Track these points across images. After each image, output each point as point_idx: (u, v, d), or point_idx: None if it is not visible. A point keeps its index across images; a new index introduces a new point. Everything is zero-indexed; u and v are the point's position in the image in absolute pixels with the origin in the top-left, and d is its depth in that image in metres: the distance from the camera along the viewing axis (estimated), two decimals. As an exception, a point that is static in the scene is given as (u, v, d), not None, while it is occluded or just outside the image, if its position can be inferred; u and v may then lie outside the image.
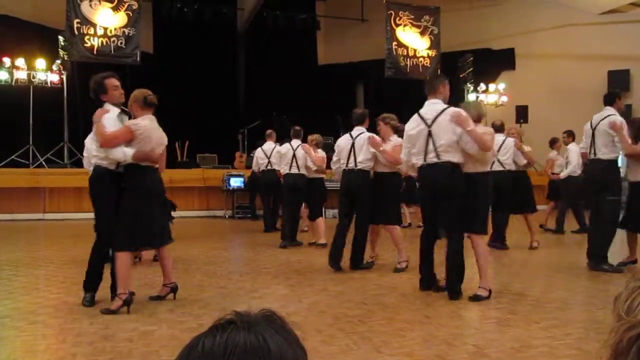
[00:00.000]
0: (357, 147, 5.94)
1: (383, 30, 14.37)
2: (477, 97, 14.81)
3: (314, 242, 7.71)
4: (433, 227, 4.85)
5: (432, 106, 4.72)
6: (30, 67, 12.13)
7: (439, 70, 14.25)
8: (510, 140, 7.27)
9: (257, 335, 0.66)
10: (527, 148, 7.55)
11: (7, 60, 11.92)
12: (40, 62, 12.19)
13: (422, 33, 14.75)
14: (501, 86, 15.64)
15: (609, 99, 5.94)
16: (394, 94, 14.47)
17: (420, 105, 4.84)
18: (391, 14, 14.36)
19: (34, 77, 12.15)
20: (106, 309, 4.01)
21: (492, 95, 15.39)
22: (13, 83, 12.00)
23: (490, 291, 4.52)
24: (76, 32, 12.04)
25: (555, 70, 15.40)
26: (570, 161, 9.04)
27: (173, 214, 6.88)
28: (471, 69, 15.33)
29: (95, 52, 12.19)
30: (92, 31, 12.19)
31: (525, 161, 7.37)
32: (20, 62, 11.99)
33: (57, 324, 3.84)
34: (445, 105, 4.68)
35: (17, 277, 5.41)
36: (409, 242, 6.02)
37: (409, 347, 3.29)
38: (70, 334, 3.57)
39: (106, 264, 4.35)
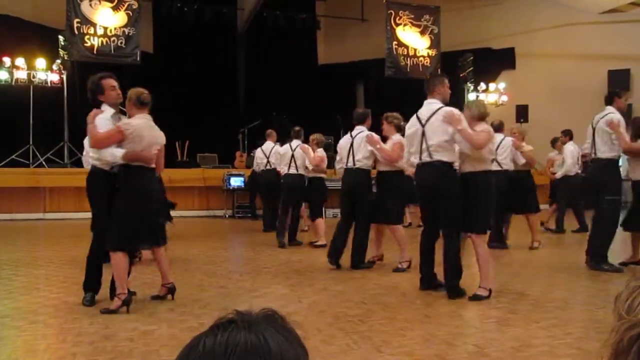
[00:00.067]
0: (355, 145, 6.01)
1: (383, 29, 14.37)
2: (477, 96, 14.80)
3: (314, 242, 7.70)
4: (433, 226, 4.85)
5: (428, 106, 4.76)
6: (31, 67, 12.14)
7: (439, 70, 14.25)
8: (508, 140, 7.25)
9: (258, 335, 0.66)
10: (528, 147, 7.52)
11: (7, 60, 11.92)
12: (41, 62, 12.20)
13: (422, 32, 14.75)
14: (501, 85, 15.64)
15: (608, 99, 5.95)
16: (394, 93, 14.45)
17: (421, 105, 4.88)
18: (391, 13, 14.35)
19: (34, 77, 12.16)
20: (106, 309, 4.02)
21: (492, 94, 15.38)
22: (13, 83, 12.01)
23: (490, 291, 4.52)
24: (76, 32, 12.05)
25: (556, 70, 15.40)
26: (565, 161, 9.04)
27: (172, 213, 6.90)
28: (471, 68, 15.33)
29: (95, 52, 12.19)
30: (92, 31, 12.19)
31: (523, 160, 7.35)
32: (20, 61, 12.00)
33: (57, 324, 3.84)
34: (440, 105, 4.69)
35: (17, 276, 5.41)
36: (409, 242, 5.99)
37: (409, 346, 3.29)
38: (70, 333, 3.57)
39: (105, 264, 4.35)
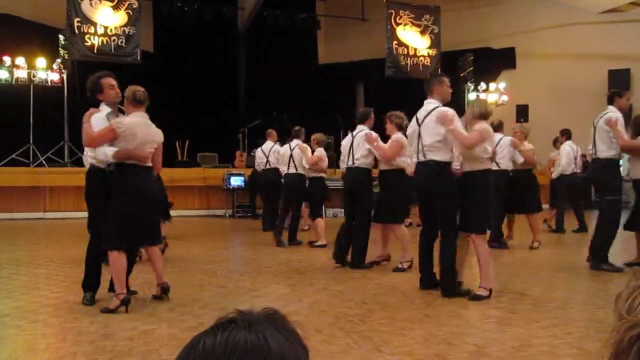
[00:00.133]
0: (355, 144, 6.10)
1: (383, 29, 14.37)
2: (478, 96, 14.80)
3: (313, 241, 7.70)
4: (432, 226, 4.86)
5: (426, 106, 4.81)
6: (31, 66, 12.14)
7: (439, 70, 14.25)
8: (507, 140, 7.25)
9: (258, 334, 0.66)
10: (528, 147, 7.50)
11: (7, 59, 11.93)
12: (41, 61, 12.20)
13: (422, 32, 14.76)
14: (501, 85, 15.64)
15: (610, 99, 5.97)
16: (395, 93, 14.44)
17: (421, 105, 4.92)
18: (391, 13, 14.36)
19: (34, 76, 12.17)
20: (105, 308, 4.02)
21: (493, 94, 15.37)
22: (13, 82, 12.01)
23: (490, 291, 4.51)
24: (76, 31, 12.06)
25: (556, 70, 15.40)
26: (560, 161, 9.04)
27: (172, 212, 6.90)
28: (471, 68, 15.33)
29: (95, 51, 12.20)
30: (92, 30, 12.20)
31: (522, 159, 7.34)
32: (20, 61, 12.00)
33: (57, 323, 3.84)
34: (436, 105, 4.72)
35: (18, 276, 5.42)
36: (410, 242, 5.98)
37: (409, 346, 3.29)
38: (70, 332, 3.57)
39: (103, 264, 4.36)
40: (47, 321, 3.86)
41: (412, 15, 14.63)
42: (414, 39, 14.66)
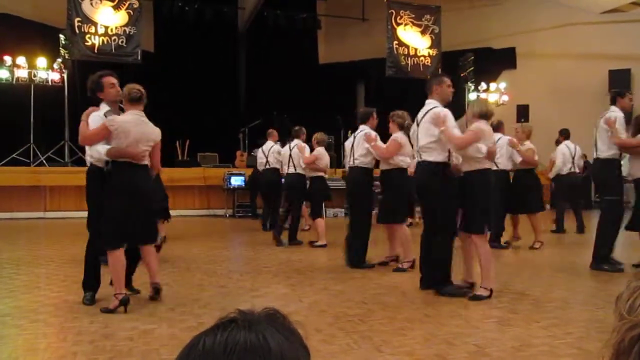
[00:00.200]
0: (355, 144, 6.19)
1: (384, 29, 14.37)
2: (478, 96, 14.79)
3: (313, 242, 7.69)
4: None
5: (425, 107, 4.85)
6: (31, 66, 12.14)
7: (439, 70, 14.25)
8: (504, 140, 7.24)
9: (258, 334, 0.66)
10: (528, 146, 7.49)
11: (8, 59, 11.93)
12: (41, 61, 12.20)
13: (423, 32, 14.75)
14: (502, 85, 15.63)
15: (611, 99, 6.00)
16: (395, 93, 14.44)
17: (421, 105, 4.94)
18: (392, 13, 14.35)
19: (34, 76, 12.16)
20: (105, 308, 4.02)
21: (493, 94, 15.37)
22: (14, 82, 12.01)
23: (491, 291, 4.51)
24: (77, 31, 12.06)
25: (556, 70, 15.39)
26: (556, 161, 9.03)
27: (172, 212, 6.90)
28: (472, 68, 15.32)
29: (96, 51, 12.20)
30: (93, 30, 12.20)
31: (520, 159, 7.33)
32: (21, 60, 12.00)
33: (57, 323, 3.84)
34: (432, 106, 4.76)
35: (18, 275, 5.42)
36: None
37: (409, 346, 3.29)
38: (70, 332, 3.57)
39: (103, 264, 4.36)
40: (47, 321, 3.86)
41: (413, 15, 14.62)
42: (414, 39, 14.66)
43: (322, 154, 7.70)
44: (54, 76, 12.36)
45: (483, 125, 4.61)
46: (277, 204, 9.64)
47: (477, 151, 4.49)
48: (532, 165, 7.58)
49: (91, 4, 12.20)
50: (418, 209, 9.71)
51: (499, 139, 7.14)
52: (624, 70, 14.52)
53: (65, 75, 12.42)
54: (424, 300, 4.48)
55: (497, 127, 7.18)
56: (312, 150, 7.82)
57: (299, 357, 0.68)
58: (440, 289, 4.63)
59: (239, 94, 17.32)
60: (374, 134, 6.02)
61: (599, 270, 5.71)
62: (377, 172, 6.48)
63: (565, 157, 8.86)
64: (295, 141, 7.94)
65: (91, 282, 4.33)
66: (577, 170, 9.06)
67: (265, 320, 0.69)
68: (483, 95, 14.93)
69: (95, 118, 4.17)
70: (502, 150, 7.12)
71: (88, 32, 12.15)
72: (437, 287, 4.66)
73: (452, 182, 4.69)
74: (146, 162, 4.26)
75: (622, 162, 6.01)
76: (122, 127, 4.07)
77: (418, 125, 4.81)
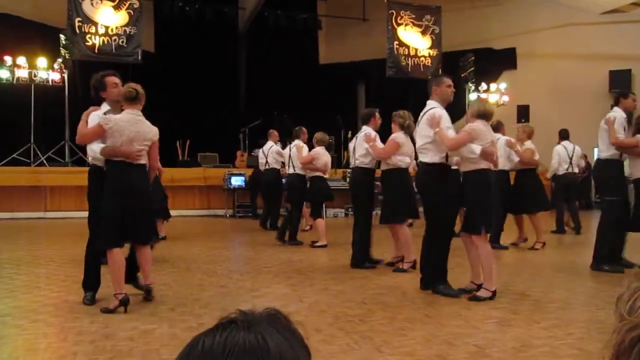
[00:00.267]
0: (356, 145, 6.23)
1: (384, 29, 14.37)
2: (478, 96, 14.79)
3: (314, 242, 7.69)
4: None
5: (425, 108, 4.86)
6: (32, 66, 12.15)
7: (440, 70, 14.25)
8: (502, 140, 7.24)
9: (257, 335, 0.66)
10: (527, 146, 7.49)
11: (8, 59, 11.93)
12: (42, 61, 12.21)
13: (423, 32, 14.74)
14: (502, 86, 15.62)
15: (614, 100, 6.02)
16: (395, 93, 14.45)
17: (421, 105, 4.95)
18: (392, 13, 14.35)
19: (35, 76, 12.17)
20: (105, 308, 4.02)
21: (494, 94, 15.36)
22: (14, 81, 12.01)
23: (494, 292, 4.49)
24: (77, 31, 12.06)
25: (557, 70, 15.39)
26: (551, 161, 9.03)
27: (172, 212, 6.90)
28: (472, 68, 15.31)
29: (96, 51, 12.20)
30: (93, 30, 12.21)
31: (517, 159, 7.32)
32: (21, 60, 12.01)
33: (58, 323, 3.84)
34: (430, 108, 4.78)
35: (18, 275, 5.42)
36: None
37: (409, 346, 3.29)
38: (71, 332, 3.57)
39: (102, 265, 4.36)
40: (47, 321, 3.86)
41: (413, 16, 14.62)
42: (414, 40, 14.65)
43: (319, 154, 7.62)
44: (55, 76, 12.37)
45: (480, 125, 4.58)
46: (278, 205, 9.65)
47: (470, 152, 4.47)
48: (532, 165, 7.59)
49: (92, 4, 12.20)
50: (422, 209, 9.75)
51: (497, 139, 7.14)
52: (625, 71, 14.52)
53: (65, 75, 12.42)
54: (425, 301, 4.48)
55: (497, 128, 7.17)
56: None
57: (298, 357, 0.68)
58: (435, 287, 4.67)
59: (240, 94, 17.32)
60: (373, 134, 6.02)
61: (599, 271, 5.71)
62: (379, 173, 6.48)
63: (560, 157, 8.84)
64: (296, 141, 7.95)
65: (91, 282, 4.34)
66: (577, 171, 9.05)
67: (266, 321, 0.69)
68: (483, 96, 14.93)
69: (94, 117, 4.18)
70: (500, 151, 7.11)
71: (88, 32, 12.16)
72: (432, 285, 4.70)
73: (452, 183, 4.70)
74: (143, 161, 4.26)
75: (625, 163, 6.00)
76: (117, 125, 4.07)
77: (418, 126, 4.87)
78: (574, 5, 15.24)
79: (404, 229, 6.01)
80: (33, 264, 6.10)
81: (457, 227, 4.96)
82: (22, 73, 12.05)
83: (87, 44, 12.16)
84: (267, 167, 9.17)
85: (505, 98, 15.35)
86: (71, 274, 5.34)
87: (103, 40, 12.28)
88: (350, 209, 11.71)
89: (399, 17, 14.44)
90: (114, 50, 12.36)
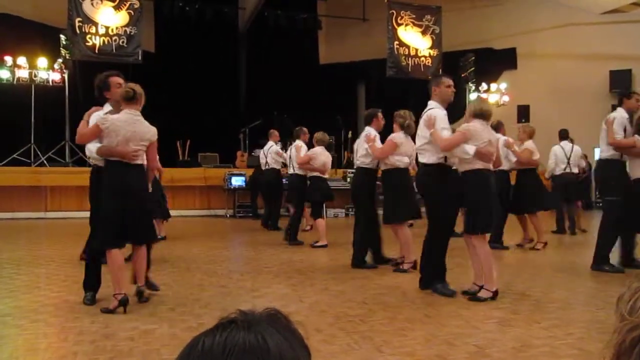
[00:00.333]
0: (358, 145, 6.29)
1: (384, 29, 14.37)
2: (479, 96, 14.79)
3: (315, 242, 7.68)
4: None
5: (426, 109, 4.87)
6: (32, 66, 12.15)
7: (440, 70, 14.24)
8: (501, 139, 7.23)
9: (257, 335, 0.66)
10: (527, 146, 7.48)
11: (8, 59, 11.93)
12: (42, 61, 12.21)
13: (423, 32, 14.74)
14: (503, 86, 15.62)
15: (617, 101, 6.03)
16: (395, 93, 14.45)
17: (421, 105, 4.94)
18: (393, 13, 14.35)
19: (35, 76, 12.17)
20: (105, 308, 4.02)
21: (494, 94, 15.36)
22: (15, 82, 12.01)
23: (495, 293, 4.48)
24: (78, 31, 12.06)
25: (557, 70, 15.39)
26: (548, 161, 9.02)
27: (172, 212, 6.90)
28: (473, 68, 15.31)
29: (96, 51, 12.20)
30: (93, 30, 12.21)
31: (514, 159, 7.31)
32: (21, 60, 12.01)
33: (58, 323, 3.84)
34: (428, 108, 4.80)
35: (19, 275, 5.42)
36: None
37: (410, 346, 3.29)
38: (71, 332, 3.57)
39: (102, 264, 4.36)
40: (48, 321, 3.86)
41: (413, 16, 14.61)
42: (415, 40, 14.65)
43: (316, 154, 7.58)
44: (55, 76, 12.37)
45: (477, 125, 4.55)
46: (278, 205, 9.65)
47: (463, 152, 4.46)
48: (531, 165, 7.57)
49: (92, 4, 12.21)
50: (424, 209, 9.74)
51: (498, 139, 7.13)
52: (625, 71, 14.51)
53: (66, 76, 12.42)
54: (425, 301, 4.48)
55: (497, 128, 7.16)
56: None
57: (298, 357, 0.68)
58: (433, 287, 4.69)
59: (240, 94, 17.33)
60: (373, 134, 6.01)
61: (599, 271, 5.71)
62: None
63: (557, 158, 8.83)
64: (296, 141, 7.96)
65: (92, 282, 4.34)
66: (576, 171, 9.04)
67: (266, 321, 0.69)
68: (484, 96, 14.92)
69: (95, 118, 4.19)
70: (499, 151, 7.10)
71: (89, 32, 12.16)
72: (430, 284, 4.72)
73: (452, 183, 4.69)
74: (140, 161, 4.25)
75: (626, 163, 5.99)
76: (113, 125, 4.07)
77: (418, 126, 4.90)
78: (574, 5, 15.24)
79: (403, 230, 6.00)
80: (33, 264, 6.10)
81: (459, 228, 4.96)
82: (23, 73, 12.05)
83: (87, 44, 12.16)
84: (267, 167, 9.17)
85: (506, 98, 15.35)
86: (71, 274, 5.34)
87: (103, 41, 12.28)
88: (350, 209, 11.71)
89: (399, 17, 14.44)
90: (114, 51, 12.36)
